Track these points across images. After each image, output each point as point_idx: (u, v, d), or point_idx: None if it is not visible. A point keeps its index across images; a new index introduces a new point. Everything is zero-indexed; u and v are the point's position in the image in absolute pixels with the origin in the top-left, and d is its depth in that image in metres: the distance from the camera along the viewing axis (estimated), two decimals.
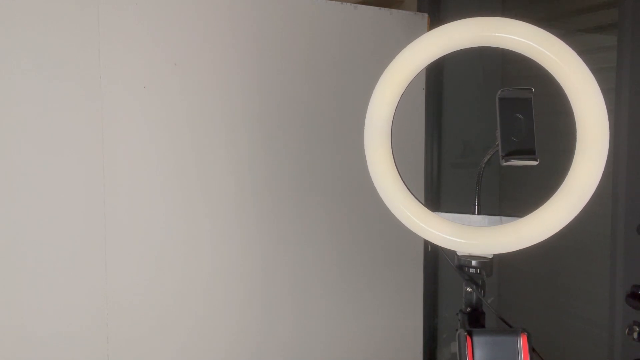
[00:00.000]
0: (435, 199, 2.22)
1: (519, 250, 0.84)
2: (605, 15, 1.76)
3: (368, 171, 0.95)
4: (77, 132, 1.38)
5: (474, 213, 0.97)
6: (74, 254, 1.39)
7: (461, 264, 0.96)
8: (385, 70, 0.94)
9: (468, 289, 0.96)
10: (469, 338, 0.82)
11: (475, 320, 0.95)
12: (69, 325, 1.39)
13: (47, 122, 1.34)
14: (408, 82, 0.92)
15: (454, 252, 0.96)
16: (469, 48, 0.90)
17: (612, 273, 1.53)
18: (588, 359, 1.86)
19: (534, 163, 0.82)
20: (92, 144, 1.39)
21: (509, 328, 0.85)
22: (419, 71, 0.92)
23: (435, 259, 2.19)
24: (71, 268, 1.39)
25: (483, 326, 0.95)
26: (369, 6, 1.73)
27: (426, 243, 1.53)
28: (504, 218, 0.92)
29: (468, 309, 0.96)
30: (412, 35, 0.95)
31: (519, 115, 0.82)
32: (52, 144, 1.35)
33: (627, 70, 1.46)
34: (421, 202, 0.91)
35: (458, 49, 0.89)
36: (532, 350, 0.82)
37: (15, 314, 1.34)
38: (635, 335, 1.44)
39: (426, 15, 1.83)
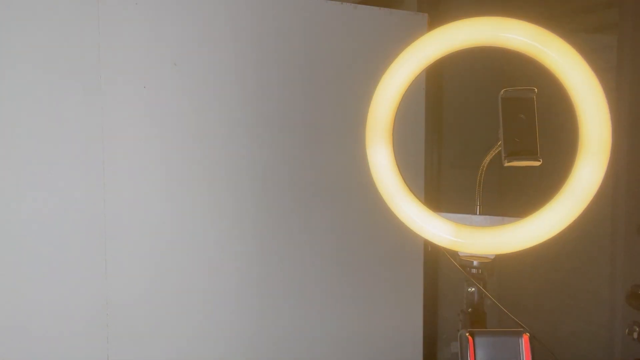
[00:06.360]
0: (436, 198, 2.21)
1: (521, 250, 0.84)
2: (605, 15, 1.76)
3: (369, 171, 0.94)
4: (77, 131, 1.37)
5: (475, 213, 0.97)
6: (74, 254, 1.39)
7: (462, 265, 0.96)
8: (386, 71, 0.93)
9: (470, 288, 0.95)
10: (470, 338, 0.81)
11: (476, 320, 0.95)
12: (69, 325, 1.39)
13: (47, 121, 1.34)
14: (409, 82, 0.92)
15: (455, 253, 0.96)
16: (469, 48, 0.89)
17: (613, 273, 1.53)
18: (588, 359, 1.85)
19: (537, 163, 0.82)
20: (92, 143, 1.39)
21: (510, 329, 0.85)
22: (419, 71, 0.92)
23: (435, 259, 2.19)
24: (71, 268, 1.38)
25: (484, 326, 0.95)
26: (369, 6, 1.73)
27: (426, 243, 1.52)
28: (505, 218, 0.91)
29: (469, 309, 0.96)
30: (412, 35, 0.95)
31: (522, 116, 0.82)
32: (52, 143, 1.35)
33: (627, 70, 1.46)
34: (422, 202, 0.91)
35: (459, 49, 0.89)
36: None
37: (15, 314, 1.34)
38: (635, 335, 1.44)
39: (426, 15, 1.83)
